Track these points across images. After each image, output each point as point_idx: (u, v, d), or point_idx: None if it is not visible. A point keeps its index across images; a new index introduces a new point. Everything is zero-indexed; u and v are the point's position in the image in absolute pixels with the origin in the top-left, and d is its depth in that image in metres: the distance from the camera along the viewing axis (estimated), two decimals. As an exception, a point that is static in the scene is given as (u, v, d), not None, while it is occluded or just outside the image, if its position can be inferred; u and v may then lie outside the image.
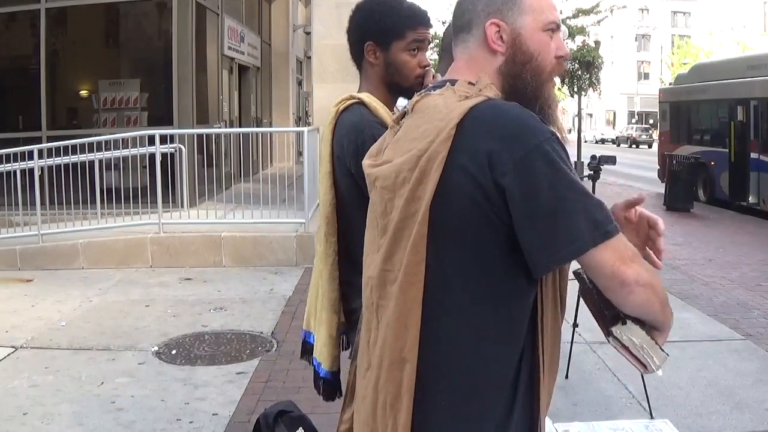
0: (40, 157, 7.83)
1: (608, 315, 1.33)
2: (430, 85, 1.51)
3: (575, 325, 4.27)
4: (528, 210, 1.21)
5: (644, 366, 1.36)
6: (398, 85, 2.11)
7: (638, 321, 1.32)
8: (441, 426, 1.29)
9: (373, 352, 1.37)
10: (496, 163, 1.21)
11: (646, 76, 62.15)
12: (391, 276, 1.32)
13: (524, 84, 1.39)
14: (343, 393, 2.10)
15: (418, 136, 1.32)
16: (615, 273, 1.22)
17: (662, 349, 1.36)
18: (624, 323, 1.32)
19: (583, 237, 1.20)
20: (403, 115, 1.45)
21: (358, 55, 2.14)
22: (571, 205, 1.21)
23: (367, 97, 2.06)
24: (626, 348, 1.35)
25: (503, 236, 1.24)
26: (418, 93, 1.45)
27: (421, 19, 2.09)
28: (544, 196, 1.20)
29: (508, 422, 1.30)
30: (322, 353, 2.16)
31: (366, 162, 1.48)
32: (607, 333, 1.35)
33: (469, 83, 1.36)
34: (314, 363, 2.21)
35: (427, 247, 1.26)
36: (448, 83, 1.39)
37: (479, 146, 1.23)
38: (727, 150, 13.47)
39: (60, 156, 7.73)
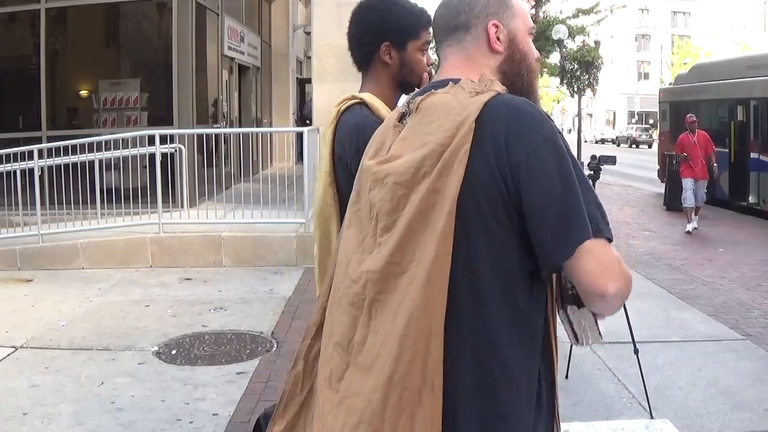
0: (40, 157, 7.83)
1: (569, 294, 1.42)
2: (428, 84, 1.52)
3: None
4: (539, 199, 1.26)
5: (576, 339, 1.46)
6: (410, 84, 2.12)
7: None
8: (479, 419, 1.30)
9: (362, 350, 1.34)
10: (512, 155, 1.27)
11: (646, 76, 62.19)
12: (399, 269, 1.31)
13: (521, 81, 1.47)
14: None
15: (432, 131, 1.34)
16: (595, 285, 1.26)
17: (600, 333, 1.45)
18: (579, 307, 1.41)
19: (587, 226, 1.25)
20: (403, 114, 1.45)
21: (368, 56, 2.12)
22: (578, 196, 1.27)
23: (368, 97, 2.05)
24: (570, 323, 1.45)
25: (521, 227, 1.30)
26: (420, 92, 1.47)
27: (429, 20, 2.12)
28: (555, 185, 1.26)
29: (539, 411, 1.35)
30: None
31: (369, 162, 1.46)
32: (561, 306, 1.44)
33: (472, 81, 1.39)
34: None
35: (454, 239, 1.28)
36: (451, 82, 1.41)
37: (497, 139, 1.28)
38: (727, 150, 13.47)
39: (60, 156, 7.73)
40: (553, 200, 1.25)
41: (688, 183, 10.58)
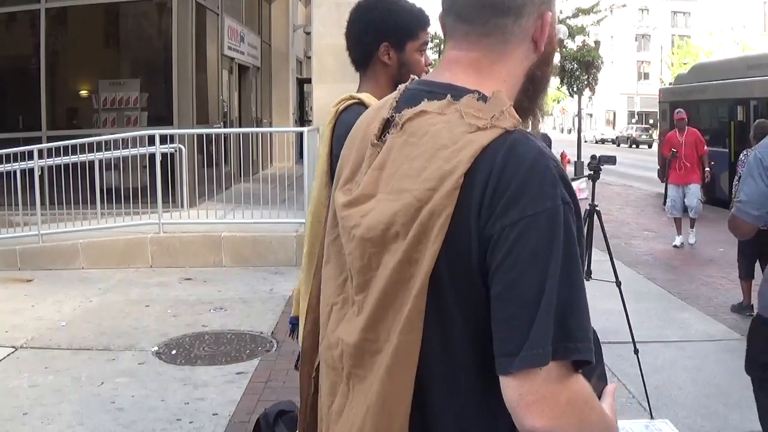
0: (40, 157, 7.83)
1: None
2: (425, 83, 1.19)
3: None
4: (499, 288, 0.98)
5: None
6: None
7: None
8: None
9: (338, 422, 1.16)
10: (490, 224, 0.99)
11: (646, 76, 62.17)
12: (374, 347, 1.09)
13: (543, 88, 1.21)
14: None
15: (411, 173, 1.05)
16: (515, 414, 0.96)
17: None
18: None
19: (545, 346, 0.94)
20: (385, 126, 1.15)
21: (367, 56, 2.11)
22: (554, 298, 0.96)
23: (366, 97, 2.06)
24: None
25: None
26: (412, 96, 1.15)
27: (427, 20, 2.14)
28: (526, 276, 0.96)
29: None
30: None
31: (339, 198, 1.18)
32: None
33: (479, 98, 1.06)
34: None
35: (426, 322, 1.03)
36: (449, 96, 1.08)
37: (482, 200, 1.00)
38: (727, 150, 13.47)
39: (60, 156, 7.74)
40: (515, 295, 0.96)
41: (671, 190, 9.25)
